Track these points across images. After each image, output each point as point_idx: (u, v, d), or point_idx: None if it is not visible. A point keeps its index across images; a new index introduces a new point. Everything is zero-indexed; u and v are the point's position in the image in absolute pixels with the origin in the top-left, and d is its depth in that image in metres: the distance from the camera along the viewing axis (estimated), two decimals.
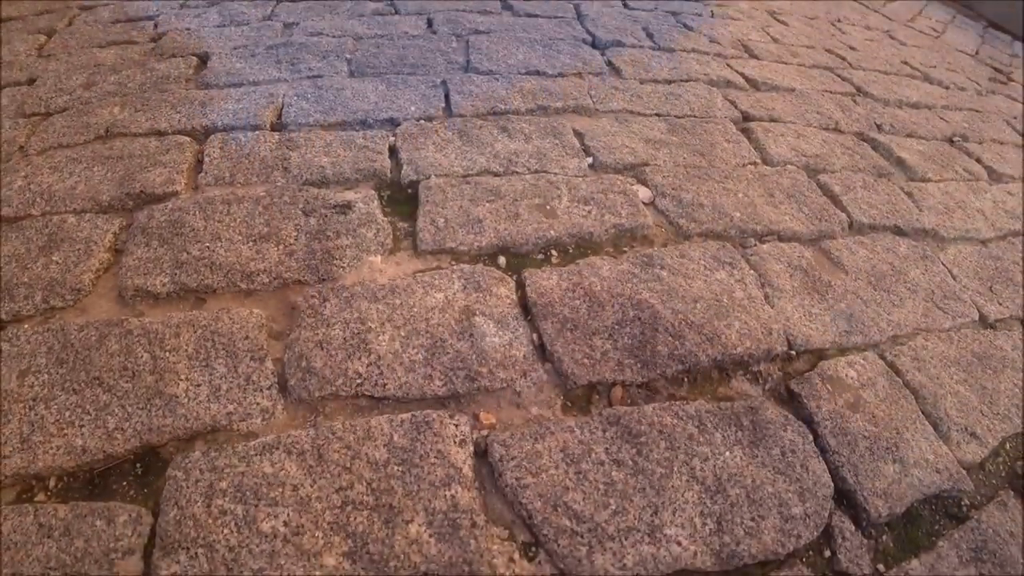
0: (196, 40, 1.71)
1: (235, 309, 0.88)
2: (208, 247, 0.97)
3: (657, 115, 1.42)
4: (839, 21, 2.73)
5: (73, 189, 1.12)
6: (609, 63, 1.64)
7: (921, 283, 1.16)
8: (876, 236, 1.24)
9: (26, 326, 0.88)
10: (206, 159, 1.17)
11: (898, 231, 1.28)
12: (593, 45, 1.75)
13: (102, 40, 1.80)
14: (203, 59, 1.61)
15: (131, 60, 1.65)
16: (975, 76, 2.53)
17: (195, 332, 0.85)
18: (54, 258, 0.97)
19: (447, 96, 1.35)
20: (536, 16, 1.91)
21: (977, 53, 2.96)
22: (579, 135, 1.27)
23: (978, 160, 1.70)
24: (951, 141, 1.79)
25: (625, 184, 1.13)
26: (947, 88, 2.28)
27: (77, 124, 1.34)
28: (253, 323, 0.86)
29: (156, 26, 1.87)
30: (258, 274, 0.92)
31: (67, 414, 0.77)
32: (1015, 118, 2.15)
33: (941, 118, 1.95)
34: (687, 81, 1.61)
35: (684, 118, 1.43)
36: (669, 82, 1.59)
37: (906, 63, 2.41)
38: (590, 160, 1.20)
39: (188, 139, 1.23)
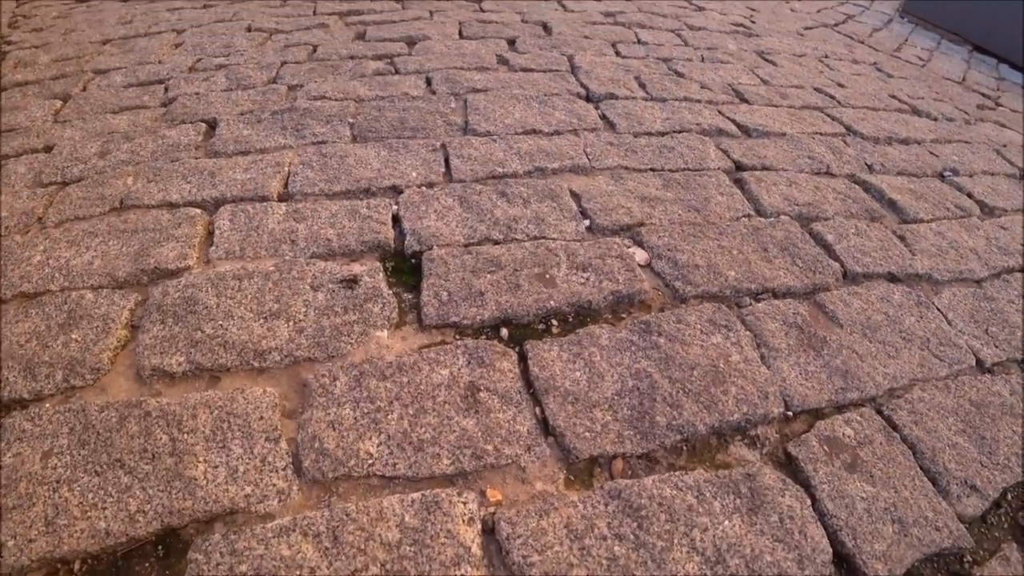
0: (205, 105, 1.77)
1: (249, 389, 0.91)
2: (221, 325, 1.00)
3: (652, 170, 1.46)
4: (826, 57, 2.79)
5: (90, 264, 1.15)
6: (603, 116, 1.69)
7: (916, 331, 1.18)
8: (870, 285, 1.27)
9: (47, 405, 0.91)
10: (217, 232, 1.21)
11: (892, 278, 1.31)
12: (587, 99, 1.81)
13: (115, 106, 1.86)
14: (212, 125, 1.66)
15: (143, 127, 1.71)
16: (963, 104, 2.56)
17: (211, 413, 0.88)
18: (73, 336, 1.01)
19: (447, 160, 1.40)
20: (532, 70, 1.97)
21: (964, 80, 3.00)
22: (576, 196, 1.31)
23: (969, 195, 1.73)
24: (942, 176, 1.82)
25: (622, 247, 1.17)
26: (935, 120, 2.31)
27: (93, 195, 1.38)
28: (267, 403, 0.89)
29: (167, 90, 1.94)
30: (270, 352, 0.96)
31: (90, 496, 0.79)
32: (1004, 146, 2.18)
33: (931, 152, 1.98)
34: (680, 132, 1.66)
35: (678, 172, 1.47)
36: (663, 134, 1.64)
37: (894, 97, 2.45)
38: (587, 223, 1.24)
39: (199, 211, 1.28)
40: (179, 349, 0.97)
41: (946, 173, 1.84)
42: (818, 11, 3.91)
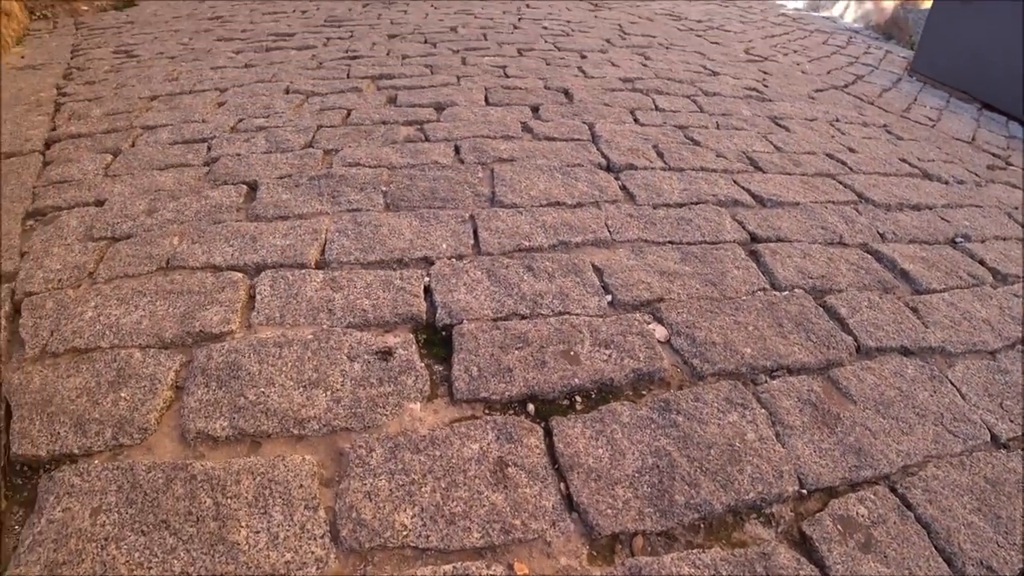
0: (246, 167, 1.87)
1: (289, 456, 0.96)
2: (263, 392, 1.07)
3: (670, 242, 1.53)
4: (837, 121, 2.86)
5: (139, 324, 1.23)
6: (624, 187, 1.78)
7: (930, 406, 1.20)
8: (883, 359, 1.29)
9: (96, 462, 0.97)
10: (258, 297, 1.29)
11: (905, 351, 1.33)
12: (608, 168, 1.90)
13: (161, 163, 1.97)
14: (252, 187, 1.76)
15: (188, 185, 1.81)
16: (973, 166, 2.60)
17: (254, 479, 0.94)
18: (122, 394, 1.07)
19: (476, 232, 1.48)
20: (555, 139, 2.08)
21: (974, 139, 3.04)
22: (598, 271, 1.38)
23: (981, 262, 1.76)
24: (954, 243, 1.86)
25: (642, 324, 1.23)
26: (946, 183, 2.36)
27: (141, 254, 1.46)
28: (306, 471, 0.95)
29: (210, 148, 2.06)
30: (309, 421, 1.02)
31: (136, 555, 0.84)
32: (1016, 208, 2.21)
33: (942, 218, 2.02)
34: (697, 203, 1.74)
35: (695, 245, 1.54)
36: (680, 205, 1.72)
37: (905, 160, 2.50)
38: (609, 298, 1.30)
39: (241, 275, 1.36)
40: (223, 414, 1.03)
41: (958, 239, 1.87)
42: (828, 72, 4.01)
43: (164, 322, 1.22)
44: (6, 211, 1.70)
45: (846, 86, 3.73)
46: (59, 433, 0.99)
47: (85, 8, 4.99)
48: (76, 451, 0.97)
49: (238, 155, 1.97)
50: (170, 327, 1.21)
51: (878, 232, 1.83)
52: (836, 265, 1.60)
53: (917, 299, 1.53)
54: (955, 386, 1.27)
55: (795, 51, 4.54)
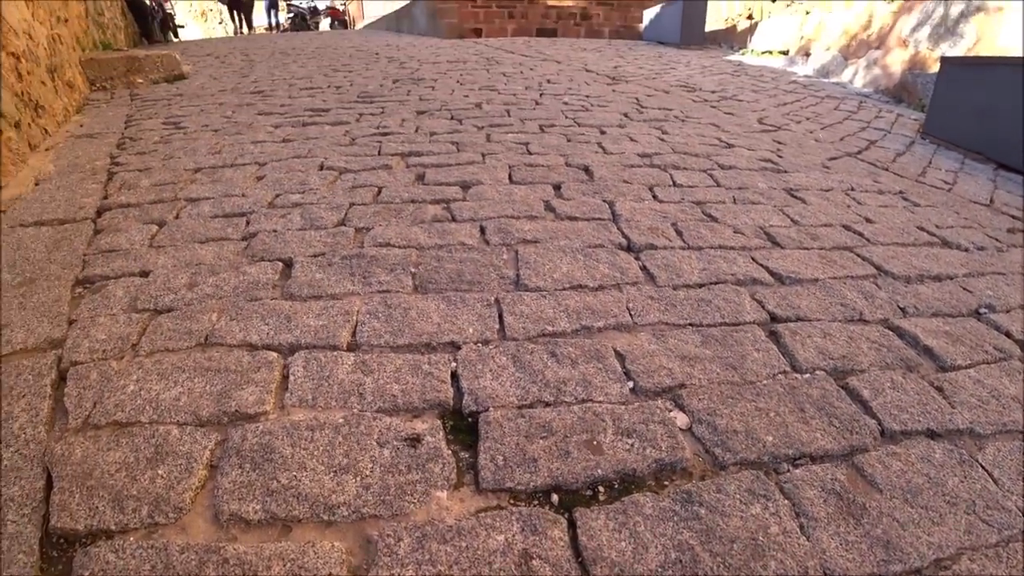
0: (281, 244, 1.97)
1: (319, 543, 0.99)
2: (295, 476, 1.10)
3: (691, 325, 1.57)
4: (852, 190, 2.90)
5: (177, 401, 1.28)
6: (644, 268, 1.84)
7: (961, 493, 1.18)
8: (909, 444, 1.28)
9: (131, 539, 1.00)
10: (291, 378, 1.34)
11: (932, 434, 1.31)
12: (628, 249, 1.97)
13: (203, 236, 2.08)
14: (288, 264, 1.85)
15: (227, 260, 1.90)
16: (993, 229, 2.60)
17: (284, 565, 0.97)
18: (160, 471, 1.11)
19: (501, 317, 1.54)
20: (576, 219, 2.16)
21: (992, 202, 3.04)
22: (620, 357, 1.42)
23: (1008, 334, 1.74)
24: (978, 314, 1.84)
25: (664, 412, 1.25)
26: (967, 250, 2.35)
27: (181, 329, 1.54)
28: (335, 559, 0.97)
29: (248, 223, 2.17)
30: (339, 507, 1.05)
31: None
32: None
33: (964, 288, 2.01)
34: (716, 283, 1.78)
35: (715, 327, 1.57)
36: (700, 285, 1.77)
37: (923, 228, 2.50)
38: (631, 384, 1.33)
39: (275, 355, 1.42)
40: (256, 496, 1.07)
41: (982, 310, 1.85)
42: (841, 139, 4.08)
43: (201, 400, 1.28)
44: (57, 277, 1.81)
45: (859, 152, 3.78)
46: (97, 508, 1.03)
47: (140, 81, 5.39)
48: (113, 527, 1.00)
49: (275, 231, 2.08)
50: (207, 405, 1.26)
51: (899, 307, 1.83)
52: (857, 344, 1.60)
53: (942, 377, 1.51)
54: (986, 470, 1.25)
55: (807, 118, 4.64)
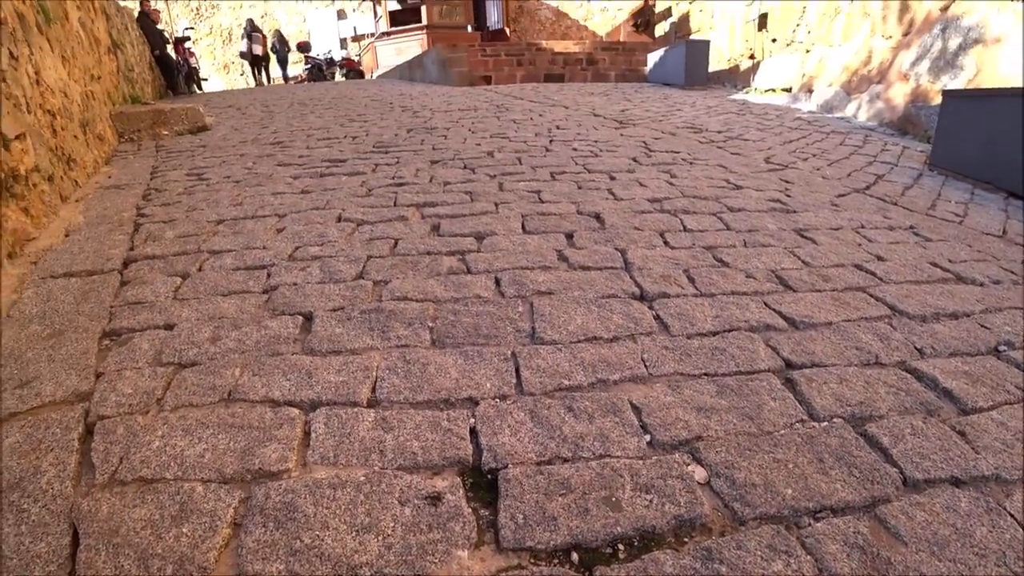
0: (301, 297, 2.02)
1: None
2: (318, 535, 1.12)
3: (706, 375, 1.59)
4: (862, 227, 2.91)
5: (201, 457, 1.31)
6: (657, 317, 1.86)
7: (990, 544, 1.15)
8: (933, 492, 1.26)
9: None
10: (313, 435, 1.37)
11: (956, 482, 1.29)
12: (641, 298, 2.00)
13: (225, 289, 2.14)
14: (308, 318, 1.90)
15: (249, 314, 1.95)
16: (1008, 262, 2.59)
17: None
18: (184, 530, 1.13)
19: (518, 371, 1.57)
20: (589, 268, 2.20)
21: (1004, 233, 3.03)
22: (636, 410, 1.43)
23: None
24: (997, 352, 1.81)
25: (682, 466, 1.26)
26: (982, 285, 2.33)
27: (205, 384, 1.58)
28: None
29: (269, 276, 2.23)
30: (361, 567, 1.06)
31: None
32: None
33: (982, 325, 1.99)
34: (730, 331, 1.80)
35: (731, 376, 1.59)
36: (714, 333, 1.78)
37: (936, 264, 2.49)
38: (648, 438, 1.35)
39: (297, 411, 1.45)
40: (279, 556, 1.08)
41: (1001, 347, 1.83)
42: (848, 175, 4.11)
43: (225, 457, 1.31)
44: (85, 330, 1.87)
45: (867, 188, 3.80)
46: (123, 567, 1.05)
47: (165, 132, 5.64)
48: None
49: (295, 284, 2.14)
50: (231, 462, 1.29)
51: (915, 348, 1.81)
52: (875, 389, 1.59)
53: (964, 420, 1.49)
54: (1015, 519, 1.22)
55: (814, 155, 4.69)
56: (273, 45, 15.56)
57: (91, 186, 3.71)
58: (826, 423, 1.45)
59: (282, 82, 15.89)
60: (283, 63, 15.59)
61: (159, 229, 2.79)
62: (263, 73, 15.77)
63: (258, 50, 15.23)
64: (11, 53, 2.86)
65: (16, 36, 2.99)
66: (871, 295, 2.15)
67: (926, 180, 4.18)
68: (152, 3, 12.27)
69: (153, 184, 3.72)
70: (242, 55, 15.36)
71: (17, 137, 2.66)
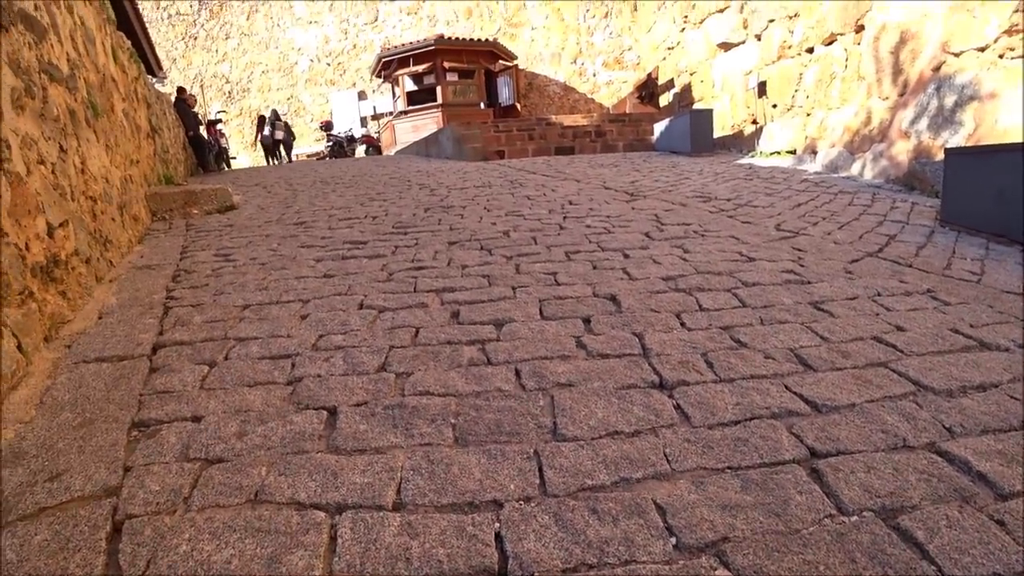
0: (325, 391, 2.05)
1: None
2: None
3: (729, 468, 1.57)
4: (879, 295, 2.89)
5: (228, 563, 1.31)
6: (678, 407, 1.87)
7: None
8: None
9: None
10: (339, 540, 1.37)
11: None
12: (661, 386, 2.01)
13: (251, 379, 2.18)
14: (332, 412, 1.92)
15: (274, 407, 1.98)
16: None
17: None
18: None
19: (541, 470, 1.58)
20: (607, 356, 2.23)
21: None
22: (661, 510, 1.42)
23: None
24: None
25: (710, 571, 1.24)
26: (1007, 351, 2.29)
27: (232, 483, 1.59)
28: None
29: (294, 366, 2.28)
30: None
31: None
32: None
33: (1012, 396, 1.94)
34: (751, 419, 1.79)
35: (754, 469, 1.57)
36: (735, 423, 1.78)
37: (957, 331, 2.46)
38: (674, 540, 1.33)
39: (323, 515, 1.45)
40: None
41: None
42: (860, 237, 4.13)
43: (252, 564, 1.31)
44: (115, 419, 1.91)
45: (880, 250, 3.81)
46: None
47: (195, 212, 5.93)
48: None
49: (319, 376, 2.18)
50: (258, 570, 1.30)
51: (944, 426, 1.78)
52: (904, 476, 1.55)
53: (1002, 508, 1.44)
54: None
55: (823, 218, 4.74)
56: (285, 136, 17.14)
57: (124, 265, 3.86)
58: (856, 517, 1.42)
59: (287, 160, 17.53)
60: (288, 147, 17.36)
61: (188, 314, 2.88)
62: (278, 156, 17.22)
63: (280, 135, 16.94)
64: (61, 147, 3.09)
65: (67, 131, 3.24)
66: (893, 370, 2.12)
67: (939, 237, 4.17)
68: (188, 89, 13.34)
69: (183, 265, 3.87)
70: (261, 140, 16.73)
71: (60, 224, 2.82)
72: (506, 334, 2.47)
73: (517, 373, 2.12)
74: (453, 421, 1.83)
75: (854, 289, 3.00)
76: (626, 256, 3.61)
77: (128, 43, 6.63)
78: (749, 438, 1.70)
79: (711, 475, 1.56)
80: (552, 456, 1.64)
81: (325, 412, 1.94)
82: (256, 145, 17.56)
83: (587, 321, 2.59)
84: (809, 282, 3.09)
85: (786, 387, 1.99)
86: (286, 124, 17.41)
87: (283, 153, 17.31)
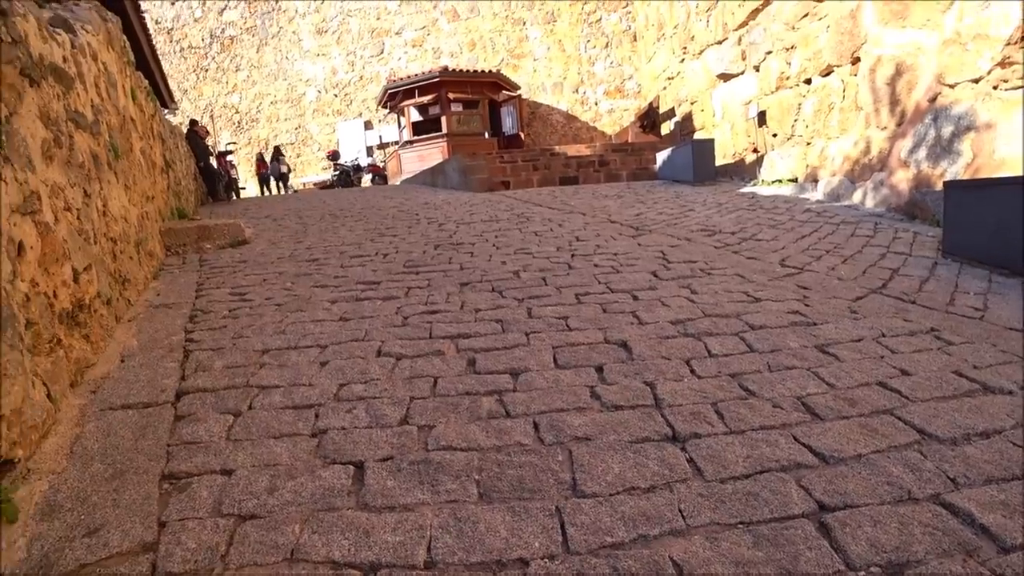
0: (351, 445, 2.11)
1: None
2: None
3: (741, 523, 1.65)
4: (883, 336, 2.96)
5: None
6: (691, 461, 1.94)
7: None
8: None
9: None
10: None
11: None
12: (674, 438, 2.09)
13: (276, 431, 2.24)
14: (359, 467, 1.98)
15: (302, 461, 2.03)
16: None
17: None
18: None
19: (563, 527, 1.65)
20: (621, 408, 2.30)
21: None
22: (677, 567, 1.49)
23: None
24: None
25: None
26: (1010, 393, 2.34)
27: (267, 541, 1.64)
28: None
29: (317, 416, 2.34)
30: None
31: None
32: None
33: (1014, 443, 1.99)
34: (762, 472, 1.87)
35: (765, 524, 1.65)
36: (746, 476, 1.85)
37: (961, 374, 2.52)
38: None
39: (358, 574, 1.52)
40: None
41: None
42: (864, 272, 4.19)
43: None
44: (145, 471, 1.96)
45: (884, 285, 3.87)
46: None
47: (209, 246, 6.06)
48: None
49: (343, 428, 2.25)
50: None
51: (948, 477, 1.83)
52: (909, 529, 1.61)
53: (1004, 562, 1.49)
54: None
55: (827, 251, 4.81)
56: (287, 170, 18.84)
57: (142, 303, 3.93)
58: (863, 573, 1.48)
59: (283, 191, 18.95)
60: (284, 179, 18.86)
61: (208, 358, 2.95)
62: (282, 186, 18.73)
63: (284, 169, 18.61)
64: (85, 191, 3.14)
65: (90, 176, 3.31)
66: (899, 418, 2.18)
67: (941, 269, 4.23)
68: (200, 120, 13.82)
69: (199, 304, 3.94)
70: (269, 172, 17.79)
71: (85, 268, 2.87)
72: (522, 384, 2.55)
73: (535, 426, 2.20)
74: (477, 477, 1.91)
75: (859, 330, 3.06)
76: (635, 298, 3.69)
77: (145, 82, 6.83)
78: (760, 492, 1.77)
79: (724, 530, 1.63)
80: (573, 513, 1.71)
81: (352, 467, 1.99)
82: (256, 178, 18.53)
83: (600, 370, 2.67)
84: (815, 323, 3.16)
85: (794, 438, 2.06)
86: (286, 159, 19.25)
87: (283, 184, 18.78)
